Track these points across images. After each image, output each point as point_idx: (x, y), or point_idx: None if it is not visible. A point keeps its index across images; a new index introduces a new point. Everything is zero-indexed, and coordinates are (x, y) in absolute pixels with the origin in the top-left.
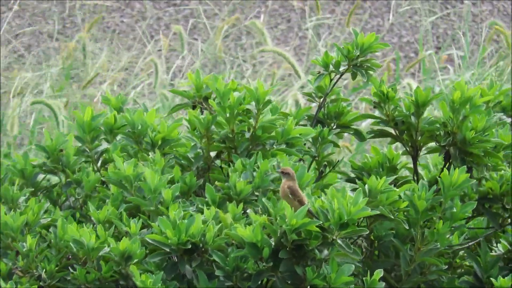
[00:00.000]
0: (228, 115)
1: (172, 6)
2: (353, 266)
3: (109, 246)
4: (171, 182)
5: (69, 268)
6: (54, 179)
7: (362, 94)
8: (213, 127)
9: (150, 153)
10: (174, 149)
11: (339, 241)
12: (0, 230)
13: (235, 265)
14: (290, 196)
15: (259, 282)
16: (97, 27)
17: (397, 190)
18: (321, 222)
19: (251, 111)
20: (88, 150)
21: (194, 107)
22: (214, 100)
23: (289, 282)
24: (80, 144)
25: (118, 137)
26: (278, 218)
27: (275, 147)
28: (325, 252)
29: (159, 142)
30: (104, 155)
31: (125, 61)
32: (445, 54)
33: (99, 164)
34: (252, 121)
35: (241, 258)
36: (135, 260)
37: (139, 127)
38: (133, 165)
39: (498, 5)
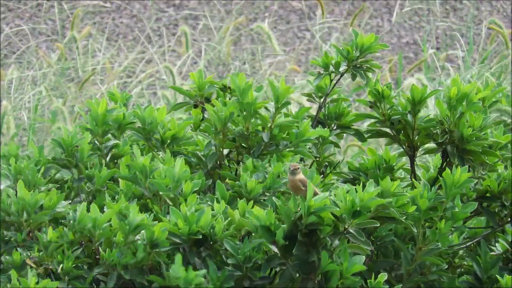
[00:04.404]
0: (245, 112)
1: (172, 6)
2: (363, 257)
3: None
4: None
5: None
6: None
7: (364, 94)
8: (229, 124)
9: (160, 152)
10: (183, 147)
11: (351, 230)
12: (15, 206)
13: (247, 255)
14: (302, 188)
15: (268, 275)
16: (95, 27)
17: (408, 194)
18: (337, 208)
19: (268, 109)
20: (98, 144)
21: (195, 107)
22: (217, 99)
23: (300, 270)
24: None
25: (127, 133)
26: (296, 202)
27: (288, 148)
28: (336, 242)
29: (169, 140)
30: (113, 150)
31: (127, 61)
32: (446, 54)
33: (108, 158)
34: (269, 121)
35: (253, 249)
36: (161, 249)
37: (150, 124)
38: (150, 158)
39: (498, 6)
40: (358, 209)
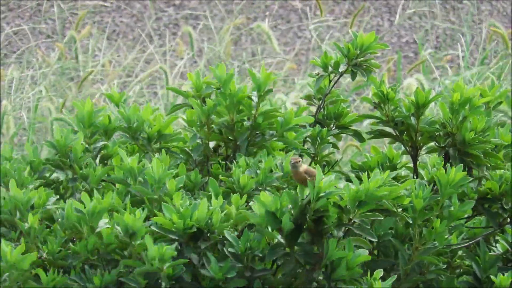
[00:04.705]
0: (228, 102)
1: (172, 6)
2: (367, 251)
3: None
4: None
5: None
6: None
7: (363, 94)
8: (213, 116)
9: (150, 152)
10: (170, 143)
11: (356, 221)
12: (6, 206)
13: (247, 245)
14: (309, 178)
15: (271, 267)
16: (95, 26)
17: (401, 185)
18: (343, 192)
19: (252, 99)
20: (87, 145)
21: (193, 108)
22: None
23: (305, 260)
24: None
25: (116, 134)
26: (301, 191)
27: (275, 137)
28: (340, 233)
29: (156, 137)
30: (102, 151)
31: (127, 61)
32: (446, 54)
33: (97, 160)
34: (253, 110)
35: (253, 240)
36: (138, 241)
37: (135, 123)
38: (137, 159)
39: (498, 6)
40: (363, 199)
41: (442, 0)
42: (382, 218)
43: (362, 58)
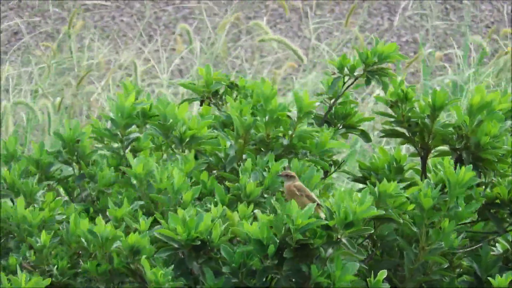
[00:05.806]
0: (267, 118)
1: (172, 5)
2: (357, 265)
3: (119, 240)
4: (196, 183)
5: (80, 262)
6: (67, 172)
7: (362, 94)
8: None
9: (178, 150)
10: (201, 146)
11: (343, 240)
12: (16, 223)
13: (241, 261)
14: (297, 193)
15: (264, 280)
16: (96, 25)
17: (405, 194)
18: (326, 222)
19: (291, 118)
20: (120, 135)
21: (202, 102)
22: (239, 98)
23: (293, 280)
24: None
25: (148, 126)
26: (284, 216)
27: (307, 158)
28: (330, 251)
29: (188, 138)
30: (133, 143)
31: (123, 59)
32: (444, 54)
33: (127, 150)
34: (290, 129)
35: (247, 255)
36: (144, 256)
37: (170, 121)
38: (143, 163)
39: (498, 5)
40: (351, 221)
41: (443, 0)
42: (372, 231)
43: (379, 66)
